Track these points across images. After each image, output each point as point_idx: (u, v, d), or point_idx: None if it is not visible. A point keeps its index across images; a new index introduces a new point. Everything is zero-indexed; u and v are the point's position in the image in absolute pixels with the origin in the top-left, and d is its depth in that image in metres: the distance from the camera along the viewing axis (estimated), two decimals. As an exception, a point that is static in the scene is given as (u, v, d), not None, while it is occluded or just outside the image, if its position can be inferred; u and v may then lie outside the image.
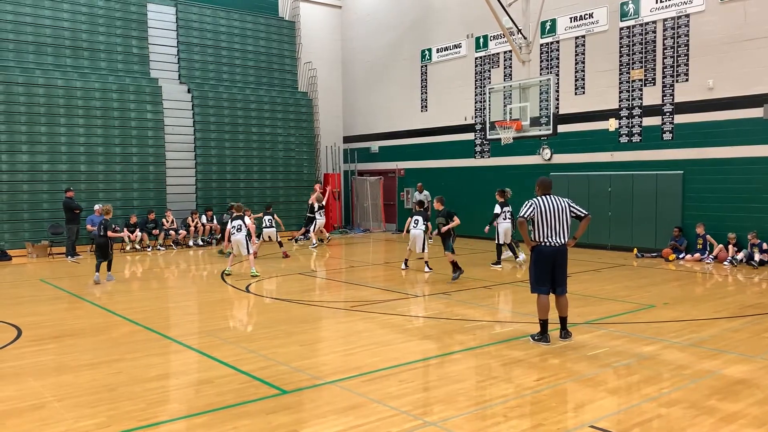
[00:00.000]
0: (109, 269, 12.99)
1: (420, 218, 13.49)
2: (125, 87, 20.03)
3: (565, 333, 7.69)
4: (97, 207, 17.75)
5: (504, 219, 14.44)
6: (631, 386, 6.06)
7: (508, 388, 5.99)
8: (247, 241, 13.39)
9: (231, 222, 13.52)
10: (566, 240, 7.58)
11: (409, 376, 6.37)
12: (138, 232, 18.54)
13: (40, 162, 18.49)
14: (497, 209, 14.44)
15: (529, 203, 7.62)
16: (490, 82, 19.99)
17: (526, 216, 7.54)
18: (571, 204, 7.74)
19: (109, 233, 12.79)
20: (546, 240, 7.52)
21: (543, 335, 7.55)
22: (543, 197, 7.66)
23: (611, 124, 17.30)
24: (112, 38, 20.47)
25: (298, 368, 6.65)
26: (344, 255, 17.46)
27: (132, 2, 20.82)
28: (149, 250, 18.57)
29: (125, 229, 17.50)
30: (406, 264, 14.07)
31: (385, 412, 5.34)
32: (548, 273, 7.55)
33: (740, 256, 14.21)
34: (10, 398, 5.83)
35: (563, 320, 7.71)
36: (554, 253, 7.53)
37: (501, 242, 14.52)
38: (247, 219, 13.54)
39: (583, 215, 7.73)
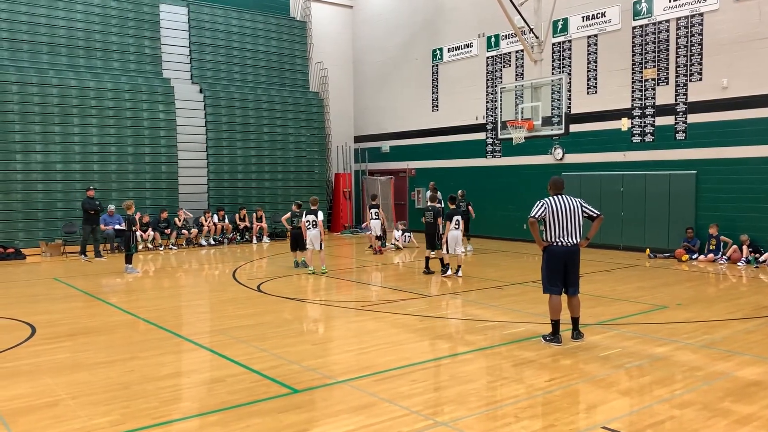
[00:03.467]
0: (129, 262, 14.02)
1: (459, 218, 12.95)
2: (138, 87, 20.16)
3: (576, 333, 7.65)
4: (110, 207, 17.90)
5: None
6: (643, 387, 6.02)
7: (520, 388, 5.98)
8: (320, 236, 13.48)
9: (305, 216, 13.46)
10: (578, 240, 7.53)
11: (421, 376, 6.37)
12: (150, 231, 18.66)
13: (54, 161, 18.66)
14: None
15: (541, 203, 7.56)
16: (501, 82, 19.92)
17: (537, 216, 7.48)
18: (584, 204, 7.69)
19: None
20: (558, 240, 7.48)
21: (555, 336, 7.53)
22: (555, 197, 7.60)
23: (624, 124, 17.20)
24: (125, 39, 20.62)
25: (309, 367, 6.67)
26: (355, 255, 17.48)
27: (144, 3, 20.96)
28: (161, 249, 18.68)
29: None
30: (455, 270, 13.02)
31: (396, 412, 5.34)
32: (560, 273, 7.51)
33: (764, 258, 13.98)
34: (25, 395, 5.89)
35: (575, 321, 7.67)
36: (566, 254, 7.48)
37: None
38: (320, 214, 13.50)
39: (595, 215, 7.65)
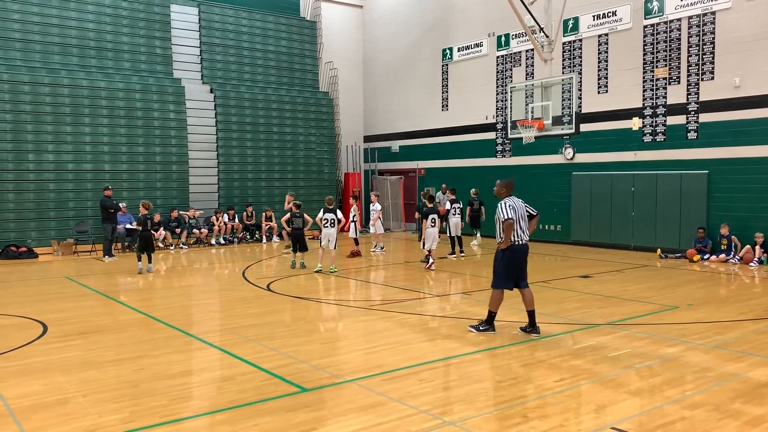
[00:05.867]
0: (150, 261, 13.98)
1: (436, 216, 14.13)
2: (148, 87, 20.27)
3: (533, 328, 7.96)
4: (122, 205, 17.99)
5: (454, 214, 16.14)
6: (653, 388, 5.99)
7: (529, 388, 5.96)
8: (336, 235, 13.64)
9: (324, 214, 13.47)
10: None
11: (429, 376, 6.37)
12: (162, 231, 18.75)
13: (66, 161, 18.79)
14: (447, 205, 16.42)
15: (507, 205, 7.90)
16: (511, 81, 19.88)
17: (512, 217, 7.81)
18: (525, 203, 8.14)
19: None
20: (518, 239, 7.88)
21: (490, 325, 8.02)
22: (511, 198, 8.02)
23: (635, 123, 17.10)
24: (136, 39, 20.74)
25: (318, 366, 6.68)
26: (365, 254, 17.46)
27: (155, 3, 21.08)
28: (172, 248, 18.77)
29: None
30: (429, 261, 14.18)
31: (405, 411, 5.34)
32: (517, 270, 7.94)
33: None
34: (37, 393, 5.94)
35: (532, 314, 8.00)
36: (525, 251, 7.99)
37: (452, 235, 16.16)
38: (339, 213, 13.69)
39: (534, 214, 8.16)
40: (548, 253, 17.02)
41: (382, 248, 17.36)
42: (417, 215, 15.77)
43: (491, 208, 19.34)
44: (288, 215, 14.55)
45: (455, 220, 16.21)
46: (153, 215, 14.21)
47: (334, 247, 13.61)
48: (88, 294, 11.55)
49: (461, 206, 16.83)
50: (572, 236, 18.56)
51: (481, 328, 8.05)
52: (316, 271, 13.43)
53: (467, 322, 8.87)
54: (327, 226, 13.47)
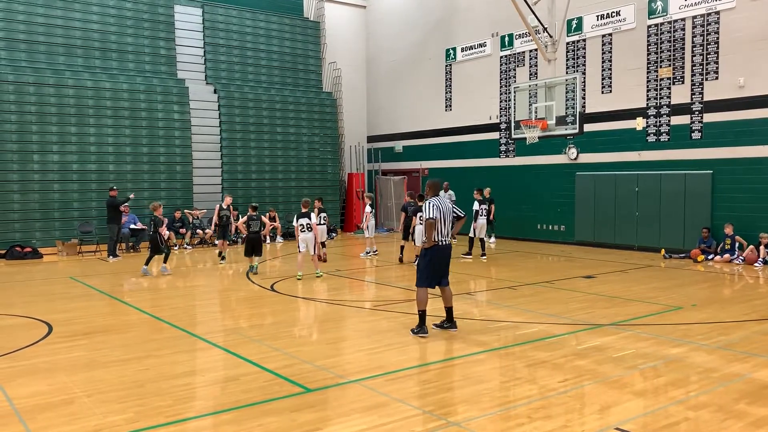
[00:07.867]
0: (165, 261, 14.03)
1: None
2: (153, 88, 20.31)
3: (450, 324, 8.14)
4: (126, 205, 18.02)
5: (481, 215, 15.97)
6: (657, 389, 5.98)
7: (533, 389, 5.96)
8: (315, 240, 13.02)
9: (297, 220, 12.79)
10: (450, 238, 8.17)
11: (433, 376, 6.37)
12: (166, 231, 18.76)
13: (70, 162, 18.85)
14: (476, 206, 15.98)
15: (432, 205, 7.96)
16: (515, 81, 19.87)
17: (435, 217, 7.88)
18: (454, 205, 8.25)
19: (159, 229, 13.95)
20: (442, 239, 7.98)
21: (422, 327, 7.95)
22: (436, 198, 8.08)
23: (639, 123, 17.08)
24: (140, 40, 20.79)
25: (322, 366, 6.69)
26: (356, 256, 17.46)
27: (159, 4, 21.12)
28: (176, 248, 18.80)
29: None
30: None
31: (409, 412, 5.35)
32: (440, 269, 8.03)
33: None
34: (42, 393, 5.96)
35: (450, 311, 8.17)
36: (448, 250, 8.06)
37: (477, 236, 16.04)
38: (314, 217, 13.04)
39: (462, 216, 8.22)
40: (552, 253, 17.01)
41: (375, 252, 16.56)
42: (403, 215, 15.76)
43: (499, 208, 19.43)
44: (245, 218, 13.91)
45: (482, 222, 16.01)
46: (158, 216, 14.07)
47: (314, 252, 12.95)
48: (93, 294, 11.58)
49: (487, 207, 16.60)
50: (576, 236, 18.55)
51: (415, 331, 7.96)
52: (318, 276, 13.21)
53: (470, 322, 8.88)
54: (303, 231, 12.76)
